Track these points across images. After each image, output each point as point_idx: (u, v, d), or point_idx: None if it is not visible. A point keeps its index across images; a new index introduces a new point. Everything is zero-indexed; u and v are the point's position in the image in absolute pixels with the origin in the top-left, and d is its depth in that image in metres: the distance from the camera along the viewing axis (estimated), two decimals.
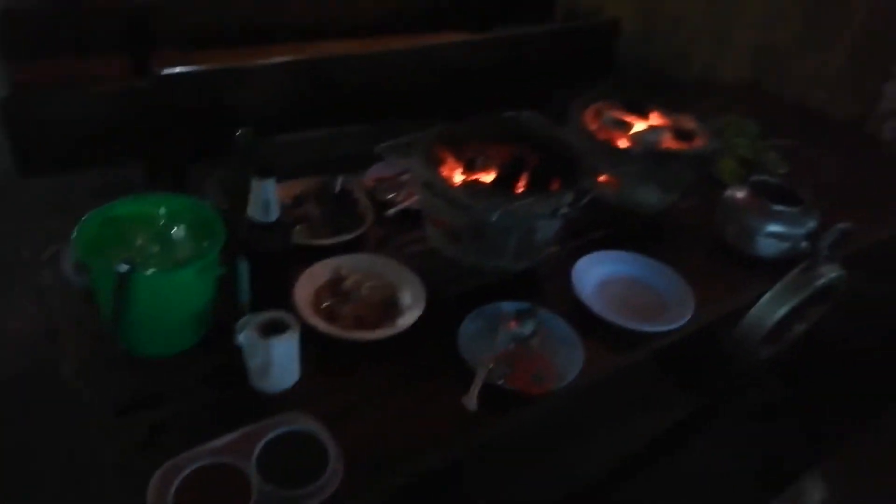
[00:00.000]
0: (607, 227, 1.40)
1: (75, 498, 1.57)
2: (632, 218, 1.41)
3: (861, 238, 1.54)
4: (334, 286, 1.13)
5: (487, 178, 1.17)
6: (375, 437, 0.92)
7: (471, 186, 1.13)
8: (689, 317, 1.17)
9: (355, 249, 1.23)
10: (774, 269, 1.33)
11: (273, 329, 0.92)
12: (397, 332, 1.04)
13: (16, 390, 1.79)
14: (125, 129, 1.81)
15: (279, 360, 0.92)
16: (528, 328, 1.10)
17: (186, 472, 0.81)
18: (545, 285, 1.25)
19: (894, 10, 1.95)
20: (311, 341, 1.01)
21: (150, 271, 0.87)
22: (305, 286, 1.11)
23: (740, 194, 1.40)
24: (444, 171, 1.18)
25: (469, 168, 1.19)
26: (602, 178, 1.38)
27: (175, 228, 0.96)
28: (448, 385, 0.99)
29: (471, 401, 0.94)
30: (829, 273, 1.34)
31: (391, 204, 1.34)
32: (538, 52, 2.66)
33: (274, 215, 0.92)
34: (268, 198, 0.90)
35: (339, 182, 1.33)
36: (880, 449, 1.69)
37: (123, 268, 0.82)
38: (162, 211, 0.97)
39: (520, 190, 1.13)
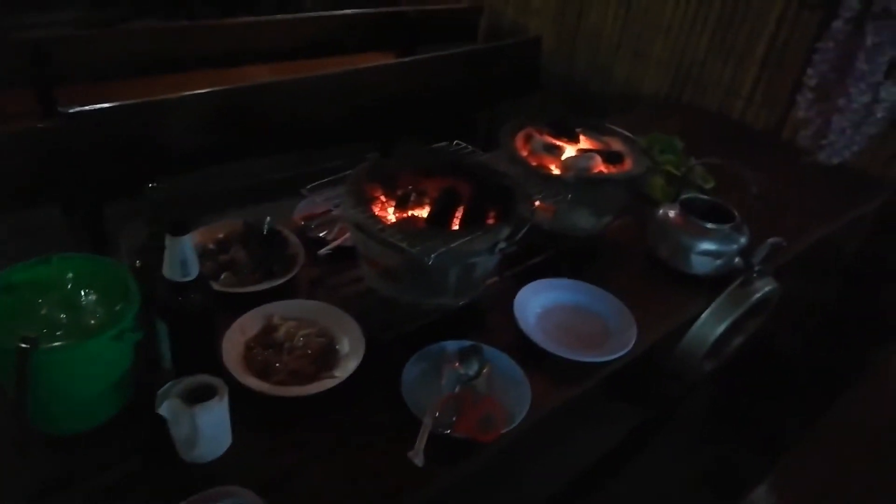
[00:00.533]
0: (544, 252, 1.39)
1: None
2: (568, 242, 1.40)
3: (789, 247, 1.60)
4: (266, 337, 1.07)
5: (421, 214, 1.13)
6: (318, 502, 0.86)
7: (405, 227, 1.09)
8: (632, 343, 1.16)
9: (288, 294, 1.17)
10: (710, 286, 1.35)
11: (198, 395, 0.86)
12: (336, 383, 0.99)
13: None
14: (36, 170, 1.70)
15: (207, 430, 0.85)
16: (472, 368, 1.06)
17: None
18: (487, 318, 1.22)
19: (802, 22, 2.04)
20: (244, 401, 0.94)
21: (55, 344, 0.79)
22: (235, 340, 1.04)
23: (672, 213, 1.41)
24: (376, 210, 1.13)
25: (401, 205, 1.15)
26: (537, 205, 1.37)
27: (84, 293, 0.87)
28: (393, 437, 0.94)
29: (417, 455, 0.90)
30: (764, 287, 1.37)
31: (323, 242, 1.29)
32: (464, 73, 2.67)
33: (192, 273, 0.85)
34: (184, 256, 0.83)
35: (266, 222, 1.27)
36: (823, 453, 1.74)
37: (22, 345, 0.73)
38: (69, 275, 0.89)
39: (455, 226, 1.10)
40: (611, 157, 1.40)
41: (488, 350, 1.11)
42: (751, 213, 1.43)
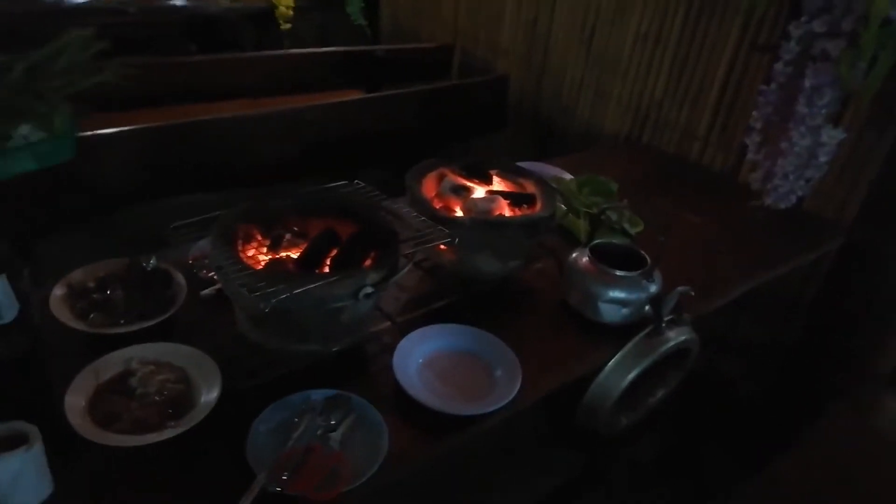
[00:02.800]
0: (447, 297, 1.34)
1: None
2: (473, 287, 1.35)
3: (725, 292, 1.54)
4: (121, 382, 1.03)
5: (294, 256, 1.10)
6: None
7: (271, 269, 1.06)
8: (512, 397, 1.10)
9: (164, 337, 1.13)
10: (619, 335, 1.29)
11: (9, 443, 0.81)
12: (173, 434, 0.94)
13: None
14: None
15: (13, 480, 0.81)
16: (332, 419, 1.01)
17: None
18: (369, 365, 1.17)
19: (753, 64, 2.00)
20: (82, 448, 0.90)
21: None
22: (84, 385, 1.00)
23: (582, 259, 1.36)
24: (249, 249, 1.10)
25: (274, 246, 1.11)
26: (442, 247, 1.33)
27: None
28: (225, 495, 0.89)
29: None
30: (677, 337, 1.31)
31: (209, 283, 1.25)
32: (428, 109, 2.66)
33: (9, 315, 0.82)
34: None
35: (151, 260, 1.24)
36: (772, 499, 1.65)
37: None
38: None
39: (324, 269, 1.06)
40: (519, 200, 1.36)
41: (357, 400, 1.05)
42: (683, 256, 1.37)
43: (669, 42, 2.21)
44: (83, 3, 3.00)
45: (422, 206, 1.29)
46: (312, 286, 0.96)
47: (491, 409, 1.08)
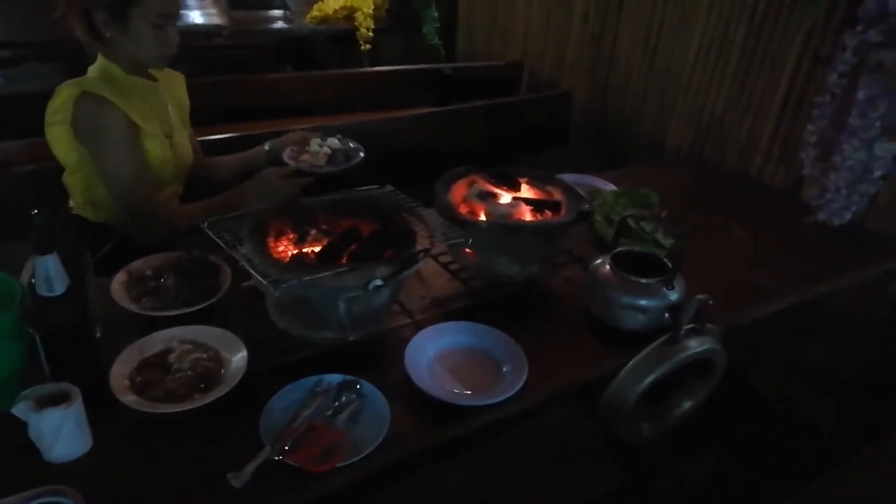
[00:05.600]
0: (470, 297, 1.40)
1: None
2: (496, 290, 1.40)
3: (760, 307, 1.50)
4: (161, 358, 1.16)
5: (315, 250, 1.19)
6: None
7: (295, 261, 1.16)
8: (515, 390, 1.14)
9: (206, 320, 1.26)
10: (638, 341, 1.30)
11: (54, 400, 0.95)
12: (197, 406, 1.05)
13: None
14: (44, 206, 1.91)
15: (52, 432, 0.94)
16: (340, 401, 1.09)
17: None
18: (384, 357, 1.25)
19: (815, 77, 1.94)
20: (119, 412, 1.03)
21: None
22: (129, 358, 1.14)
23: (604, 265, 1.38)
24: (279, 244, 1.21)
25: (300, 241, 1.22)
26: (466, 250, 1.40)
27: None
28: (237, 462, 0.98)
29: (239, 478, 0.94)
30: (698, 346, 1.30)
31: (250, 276, 1.37)
32: (491, 125, 2.73)
33: (59, 289, 0.96)
34: (48, 274, 0.94)
35: (198, 253, 1.38)
36: None
37: None
38: None
39: (339, 263, 1.15)
40: (543, 206, 1.40)
41: (366, 386, 1.13)
42: (719, 271, 1.34)
43: (731, 55, 2.18)
44: (181, 25, 3.30)
45: (446, 210, 1.35)
46: (321, 275, 1.05)
47: (491, 401, 1.12)
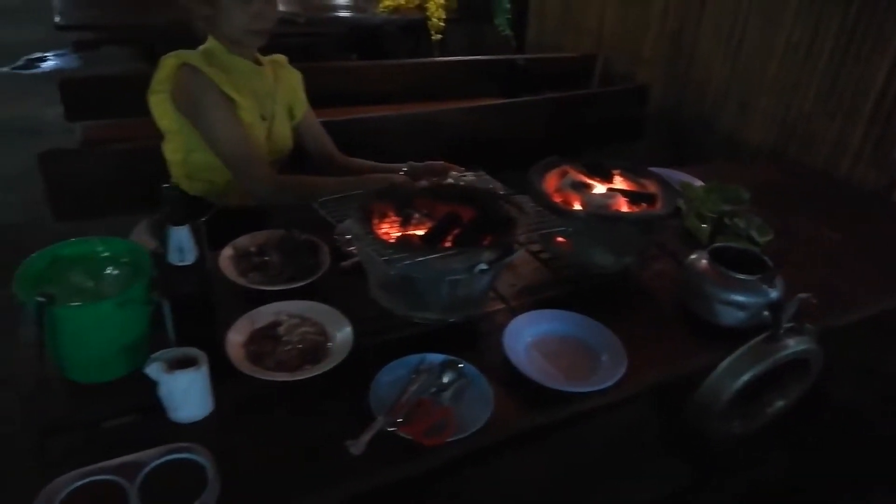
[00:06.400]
0: (562, 286, 1.41)
1: None
2: (587, 279, 1.41)
3: (850, 312, 1.47)
4: (270, 329, 1.20)
5: (419, 233, 1.22)
6: (261, 473, 0.96)
7: (400, 242, 1.19)
8: (615, 380, 1.15)
9: (308, 297, 1.30)
10: (735, 337, 1.29)
11: (183, 364, 1.00)
12: (308, 376, 1.09)
13: None
14: (142, 183, 2.00)
15: (182, 394, 1.00)
16: (444, 380, 1.12)
17: (74, 486, 0.88)
18: (481, 340, 1.27)
19: None
20: (234, 379, 1.08)
21: (71, 304, 0.97)
22: (242, 328, 1.19)
23: (701, 260, 1.37)
24: (383, 226, 1.24)
25: (405, 223, 1.25)
26: (560, 239, 1.41)
27: (110, 268, 1.06)
28: (348, 431, 1.02)
29: (357, 445, 0.97)
30: (797, 346, 1.29)
31: (349, 256, 1.41)
32: (564, 117, 2.72)
33: (189, 259, 1.01)
34: (181, 244, 0.99)
35: (302, 233, 1.42)
36: None
37: (40, 299, 0.92)
38: (103, 252, 1.08)
39: (445, 246, 1.18)
40: (639, 198, 1.40)
41: (468, 368, 1.16)
42: (809, 270, 1.33)
43: (822, 52, 2.13)
44: None
45: (541, 198, 1.37)
46: (432, 257, 1.08)
47: (592, 388, 1.13)
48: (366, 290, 1.32)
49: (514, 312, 1.31)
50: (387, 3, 3.58)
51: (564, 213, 1.32)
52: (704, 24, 2.58)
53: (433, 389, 1.11)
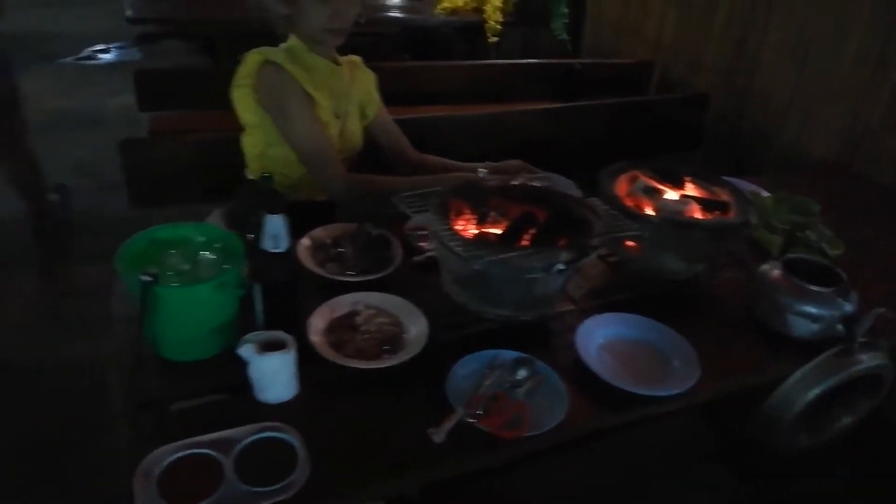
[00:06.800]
0: (631, 290, 1.42)
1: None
2: (656, 284, 1.41)
3: None
4: (349, 319, 1.24)
5: (495, 231, 1.25)
6: (347, 454, 1.00)
7: (477, 239, 1.21)
8: (690, 386, 1.16)
9: (381, 288, 1.34)
10: (806, 350, 1.29)
11: (272, 346, 1.04)
12: (389, 365, 1.12)
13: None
14: (217, 173, 2.06)
15: (272, 375, 1.04)
16: (519, 376, 1.14)
17: (174, 457, 0.93)
18: (552, 340, 1.29)
19: None
20: (316, 365, 1.12)
21: (171, 284, 1.02)
22: (322, 315, 1.23)
23: (774, 270, 1.37)
24: (458, 223, 1.27)
25: (481, 221, 1.27)
26: (629, 244, 1.42)
27: (207, 252, 1.11)
28: (426, 419, 1.05)
29: (439, 434, 1.00)
30: (870, 361, 1.28)
31: (420, 252, 1.45)
32: (618, 122, 2.71)
33: (283, 246, 1.05)
34: (276, 232, 1.04)
35: (376, 227, 1.46)
36: None
37: (146, 278, 0.97)
38: (199, 237, 1.13)
39: (521, 244, 1.20)
40: (712, 206, 1.41)
41: (541, 365, 1.18)
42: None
43: (893, 64, 2.09)
44: None
45: (613, 202, 1.38)
46: (513, 255, 1.10)
47: (667, 392, 1.14)
48: (437, 284, 1.35)
49: (582, 314, 1.32)
50: (445, 4, 3.61)
51: (639, 217, 1.33)
52: (770, 32, 2.55)
53: (507, 385, 1.13)
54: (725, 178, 1.55)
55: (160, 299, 1.01)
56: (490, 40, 3.55)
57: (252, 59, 1.56)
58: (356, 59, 1.77)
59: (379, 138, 1.82)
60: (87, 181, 3.30)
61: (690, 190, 1.47)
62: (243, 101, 1.58)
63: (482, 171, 1.58)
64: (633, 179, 1.50)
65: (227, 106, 1.61)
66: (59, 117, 3.96)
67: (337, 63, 1.68)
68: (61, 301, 2.58)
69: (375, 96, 1.79)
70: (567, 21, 3.53)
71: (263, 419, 1.02)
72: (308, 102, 1.55)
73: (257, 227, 1.08)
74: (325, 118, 1.60)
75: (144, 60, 5.14)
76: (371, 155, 1.84)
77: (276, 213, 1.04)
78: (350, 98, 1.70)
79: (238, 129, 1.66)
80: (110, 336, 1.21)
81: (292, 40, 1.60)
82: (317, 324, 1.20)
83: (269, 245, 1.05)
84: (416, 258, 1.43)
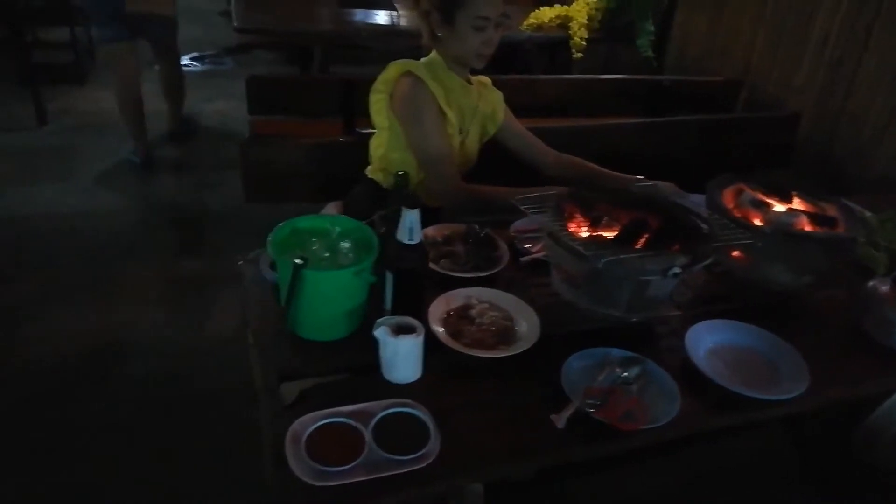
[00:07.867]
0: (735, 300, 1.44)
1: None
2: (761, 295, 1.43)
3: None
4: (464, 311, 1.31)
5: (610, 234, 1.30)
6: (472, 433, 1.07)
7: (591, 240, 1.27)
8: (800, 392, 1.18)
9: (488, 285, 1.41)
10: None
11: (403, 330, 1.12)
12: (507, 355, 1.19)
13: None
14: (325, 174, 2.18)
15: (403, 356, 1.12)
16: (631, 373, 1.19)
17: (318, 424, 1.02)
18: (660, 342, 1.33)
19: None
20: (436, 351, 1.19)
21: (319, 269, 1.12)
22: (440, 306, 1.31)
23: (883, 286, 1.37)
24: (571, 225, 1.33)
25: (594, 224, 1.33)
26: (735, 254, 1.45)
27: (343, 242, 1.21)
28: (543, 408, 1.11)
29: (560, 419, 1.06)
30: None
31: (526, 253, 1.51)
32: (706, 140, 2.72)
33: (416, 239, 1.14)
34: (412, 225, 1.12)
35: (483, 228, 1.54)
36: None
37: (298, 261, 1.07)
38: (335, 228, 1.23)
39: (637, 247, 1.25)
40: (820, 220, 1.42)
41: (650, 365, 1.22)
42: None
43: None
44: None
45: (722, 213, 1.41)
46: (633, 256, 1.16)
47: (779, 397, 1.17)
48: (542, 284, 1.41)
49: (687, 319, 1.35)
50: (531, 20, 3.69)
51: (751, 227, 1.36)
52: (870, 54, 2.52)
53: (619, 381, 1.18)
54: (831, 194, 1.56)
55: (308, 281, 1.11)
56: (575, 56, 3.60)
57: (394, 68, 1.67)
58: (485, 79, 1.86)
59: (509, 143, 1.91)
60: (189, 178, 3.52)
61: (798, 204, 1.49)
62: (378, 104, 1.70)
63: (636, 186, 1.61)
64: (739, 192, 1.53)
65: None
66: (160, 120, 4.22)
67: (469, 83, 1.77)
68: (185, 285, 2.75)
69: (500, 115, 1.87)
70: (653, 38, 3.55)
71: (390, 396, 1.10)
72: (441, 118, 1.65)
73: (386, 221, 1.17)
74: (450, 132, 1.69)
75: (236, 69, 5.40)
76: (484, 171, 1.91)
77: (412, 207, 1.12)
78: (475, 116, 1.79)
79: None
80: (243, 318, 1.32)
81: (434, 56, 1.70)
82: (436, 313, 1.28)
83: (404, 237, 1.14)
84: (523, 259, 1.50)
